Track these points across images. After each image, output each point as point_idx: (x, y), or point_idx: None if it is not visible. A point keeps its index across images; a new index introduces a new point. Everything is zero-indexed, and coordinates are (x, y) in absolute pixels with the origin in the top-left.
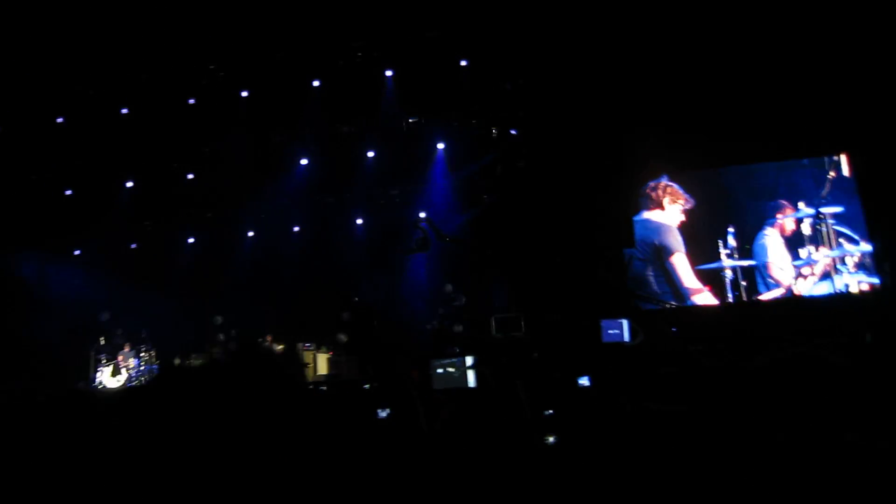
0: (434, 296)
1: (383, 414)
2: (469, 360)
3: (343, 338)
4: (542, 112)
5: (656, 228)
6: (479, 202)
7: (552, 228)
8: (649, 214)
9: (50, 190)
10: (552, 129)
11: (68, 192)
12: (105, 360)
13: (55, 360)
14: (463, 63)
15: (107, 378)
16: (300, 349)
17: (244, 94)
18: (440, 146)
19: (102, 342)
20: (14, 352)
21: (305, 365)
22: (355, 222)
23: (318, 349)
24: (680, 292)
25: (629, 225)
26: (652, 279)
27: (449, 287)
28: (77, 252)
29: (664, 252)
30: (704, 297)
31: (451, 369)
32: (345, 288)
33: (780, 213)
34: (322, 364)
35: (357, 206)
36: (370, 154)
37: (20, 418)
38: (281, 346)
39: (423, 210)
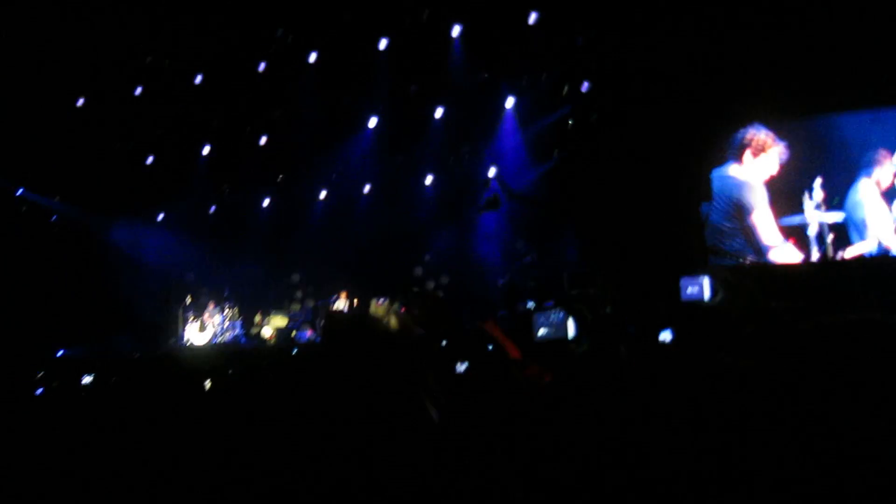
0: (505, 251)
1: (461, 368)
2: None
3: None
4: (615, 64)
5: (739, 185)
6: (550, 157)
7: (626, 182)
8: (732, 169)
9: (133, 158)
10: (626, 80)
11: (150, 160)
12: (192, 318)
13: (148, 320)
14: (532, 16)
15: (194, 335)
16: (374, 304)
17: (312, 56)
18: (510, 102)
19: (189, 301)
20: (111, 312)
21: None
22: (425, 181)
23: (390, 304)
24: (759, 248)
25: (707, 179)
26: (730, 234)
27: (520, 243)
28: (160, 216)
29: (744, 209)
30: (786, 253)
31: (550, 328)
32: (416, 246)
33: (877, 165)
34: (392, 320)
35: (427, 165)
36: (439, 112)
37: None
38: (356, 301)
39: (493, 166)
